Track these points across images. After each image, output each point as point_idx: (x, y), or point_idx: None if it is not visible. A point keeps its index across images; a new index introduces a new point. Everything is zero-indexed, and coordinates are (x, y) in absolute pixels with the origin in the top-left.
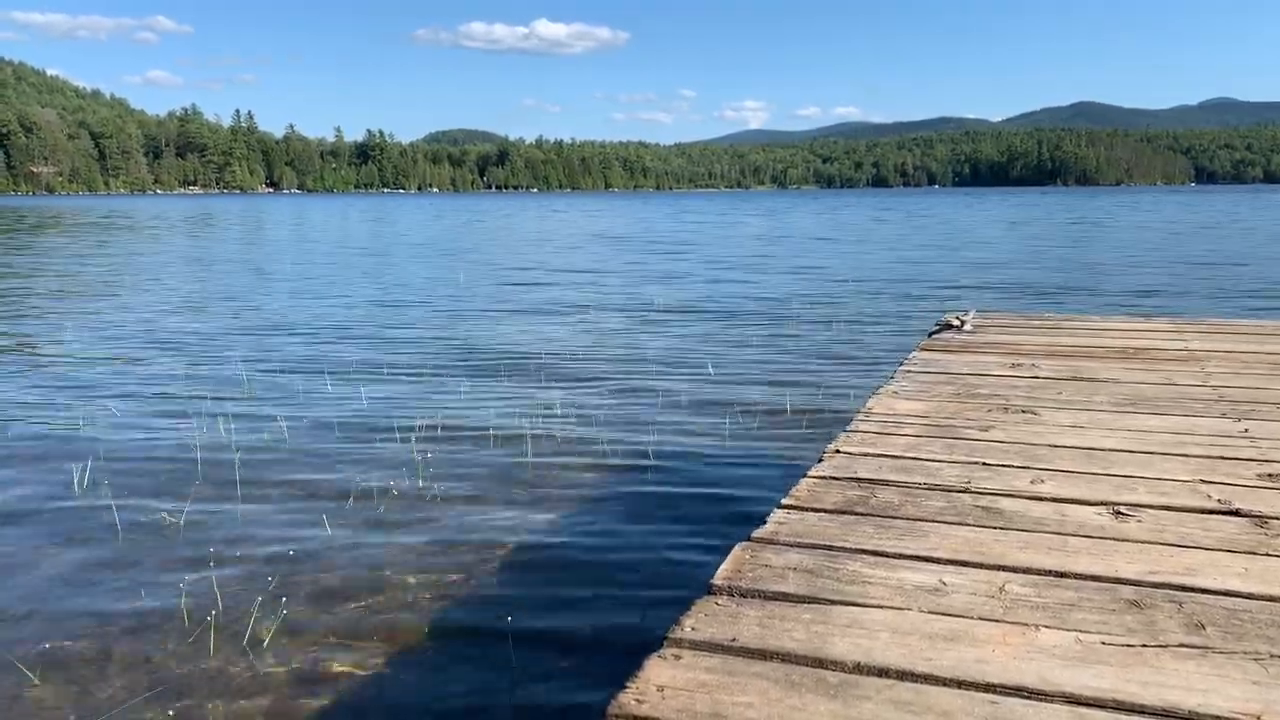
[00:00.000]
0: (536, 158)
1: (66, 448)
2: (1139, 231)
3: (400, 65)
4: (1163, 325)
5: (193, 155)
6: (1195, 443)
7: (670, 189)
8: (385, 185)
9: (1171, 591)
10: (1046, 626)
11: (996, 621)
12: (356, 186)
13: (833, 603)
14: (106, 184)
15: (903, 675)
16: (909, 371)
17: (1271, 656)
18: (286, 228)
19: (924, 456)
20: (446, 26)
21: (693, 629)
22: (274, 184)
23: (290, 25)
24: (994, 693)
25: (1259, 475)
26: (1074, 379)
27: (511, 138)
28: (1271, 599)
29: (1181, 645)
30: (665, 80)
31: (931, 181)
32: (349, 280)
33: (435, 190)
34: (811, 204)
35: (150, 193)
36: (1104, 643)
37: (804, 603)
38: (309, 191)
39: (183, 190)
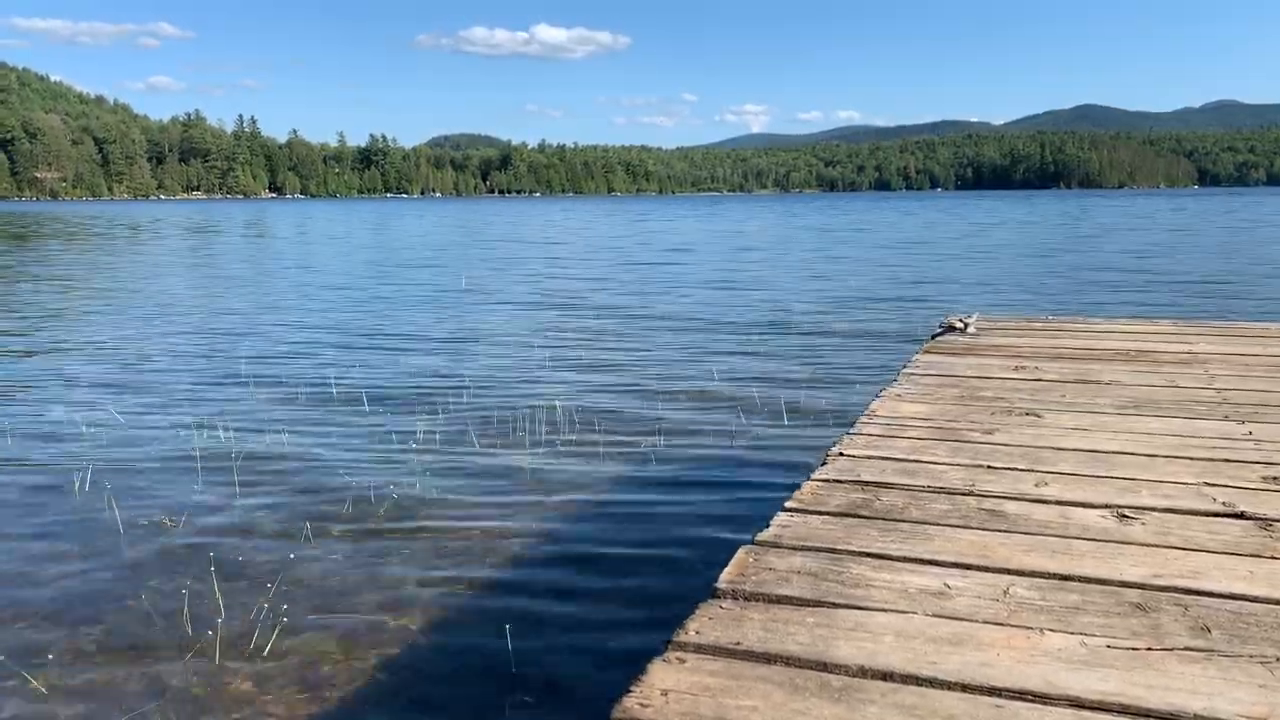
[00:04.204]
0: (539, 162)
1: (69, 450)
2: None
3: (402, 70)
4: (1165, 328)
5: (196, 160)
6: (1199, 445)
7: (673, 193)
8: (388, 190)
9: (1176, 594)
10: (1051, 630)
11: (1001, 625)
12: (360, 191)
13: (837, 606)
14: (110, 189)
15: (907, 679)
16: (912, 374)
17: (1277, 659)
18: (290, 234)
19: (927, 459)
20: (447, 31)
21: (697, 632)
22: (277, 189)
23: (292, 31)
24: (999, 696)
25: (1263, 478)
26: (1077, 381)
27: (514, 142)
28: (1277, 602)
29: (1187, 648)
30: (667, 84)
31: (934, 184)
32: (350, 285)
33: (438, 194)
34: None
35: (154, 198)
36: (1109, 646)
37: (808, 606)
38: (312, 196)
39: (185, 195)
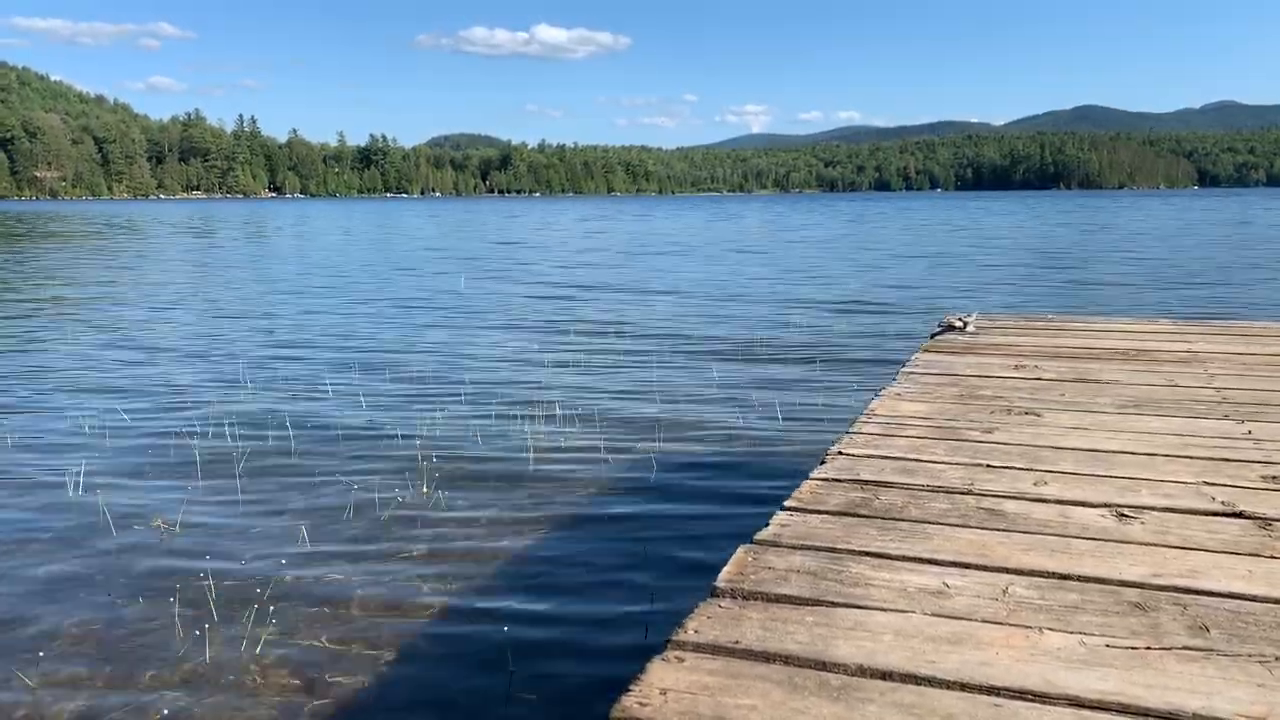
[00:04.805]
0: (539, 162)
1: (64, 450)
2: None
3: (402, 70)
4: (1165, 327)
5: (196, 160)
6: (1198, 444)
7: (673, 193)
8: (388, 189)
9: (1175, 594)
10: (1050, 629)
11: (1000, 624)
12: (360, 191)
13: (836, 605)
14: (110, 189)
15: (906, 678)
16: (911, 373)
17: (1276, 659)
18: (290, 235)
19: (927, 458)
20: (447, 31)
21: (695, 631)
22: (277, 189)
23: (292, 31)
24: (998, 695)
25: (1263, 477)
26: (1077, 380)
27: (514, 142)
28: (1276, 601)
29: (1185, 648)
30: (667, 84)
31: (934, 185)
32: (353, 289)
33: (438, 194)
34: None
35: (154, 197)
36: (1108, 645)
37: (807, 605)
38: (312, 196)
39: (185, 195)
